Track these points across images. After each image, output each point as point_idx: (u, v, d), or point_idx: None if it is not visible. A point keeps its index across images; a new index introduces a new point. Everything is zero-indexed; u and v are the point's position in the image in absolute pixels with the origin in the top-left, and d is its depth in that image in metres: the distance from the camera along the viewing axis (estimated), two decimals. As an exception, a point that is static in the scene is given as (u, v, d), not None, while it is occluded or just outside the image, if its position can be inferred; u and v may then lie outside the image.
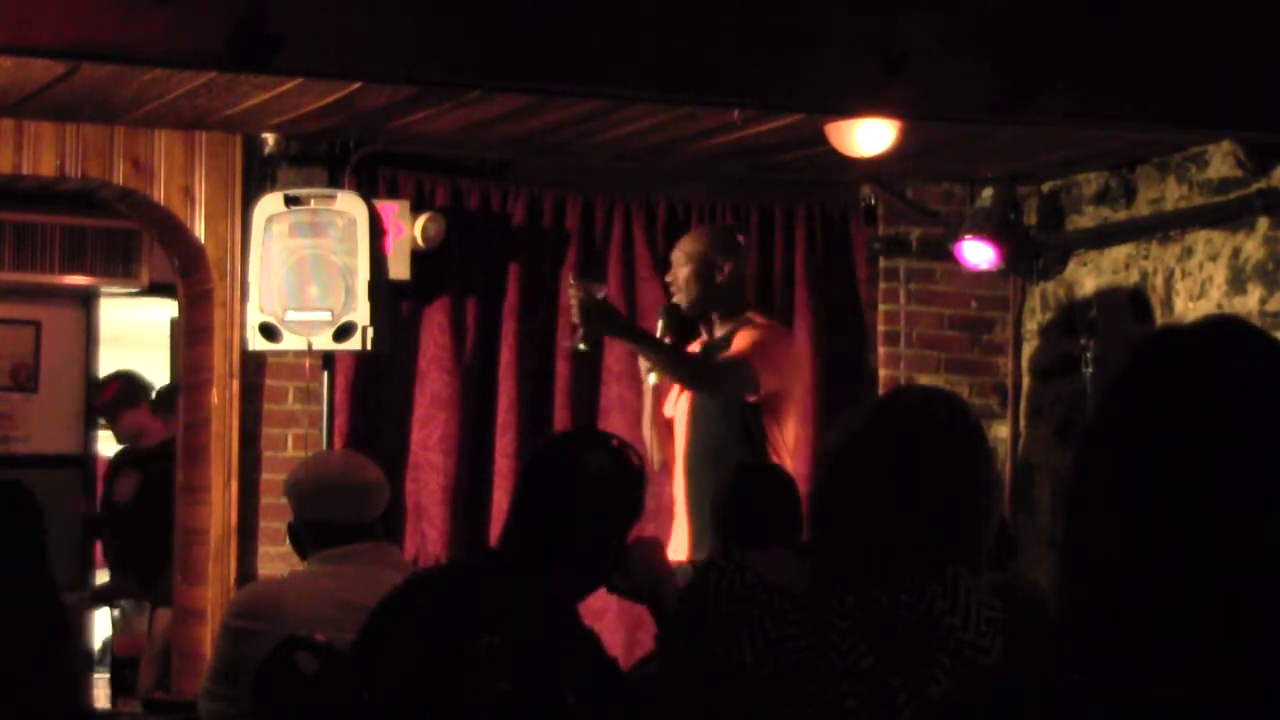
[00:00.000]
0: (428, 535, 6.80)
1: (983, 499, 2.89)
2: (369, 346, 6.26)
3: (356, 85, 5.72)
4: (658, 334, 6.08)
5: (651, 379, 6.13)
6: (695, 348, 6.25)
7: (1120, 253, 7.04)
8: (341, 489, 4.45)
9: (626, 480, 3.50)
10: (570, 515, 3.43)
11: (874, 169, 7.09)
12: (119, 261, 8.74)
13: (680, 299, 6.18)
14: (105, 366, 9.30)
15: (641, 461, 3.59)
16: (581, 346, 6.03)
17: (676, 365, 6.00)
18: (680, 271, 6.20)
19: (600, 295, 5.94)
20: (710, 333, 6.22)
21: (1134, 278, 6.96)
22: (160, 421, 8.16)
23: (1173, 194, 6.80)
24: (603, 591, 3.62)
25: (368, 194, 6.51)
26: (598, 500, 3.45)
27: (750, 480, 5.14)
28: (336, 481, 4.48)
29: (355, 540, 4.36)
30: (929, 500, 2.83)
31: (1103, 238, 7.10)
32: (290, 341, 6.27)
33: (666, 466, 6.21)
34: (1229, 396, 1.47)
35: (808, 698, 2.78)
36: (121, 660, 8.39)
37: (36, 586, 3.91)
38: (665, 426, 6.21)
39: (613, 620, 6.49)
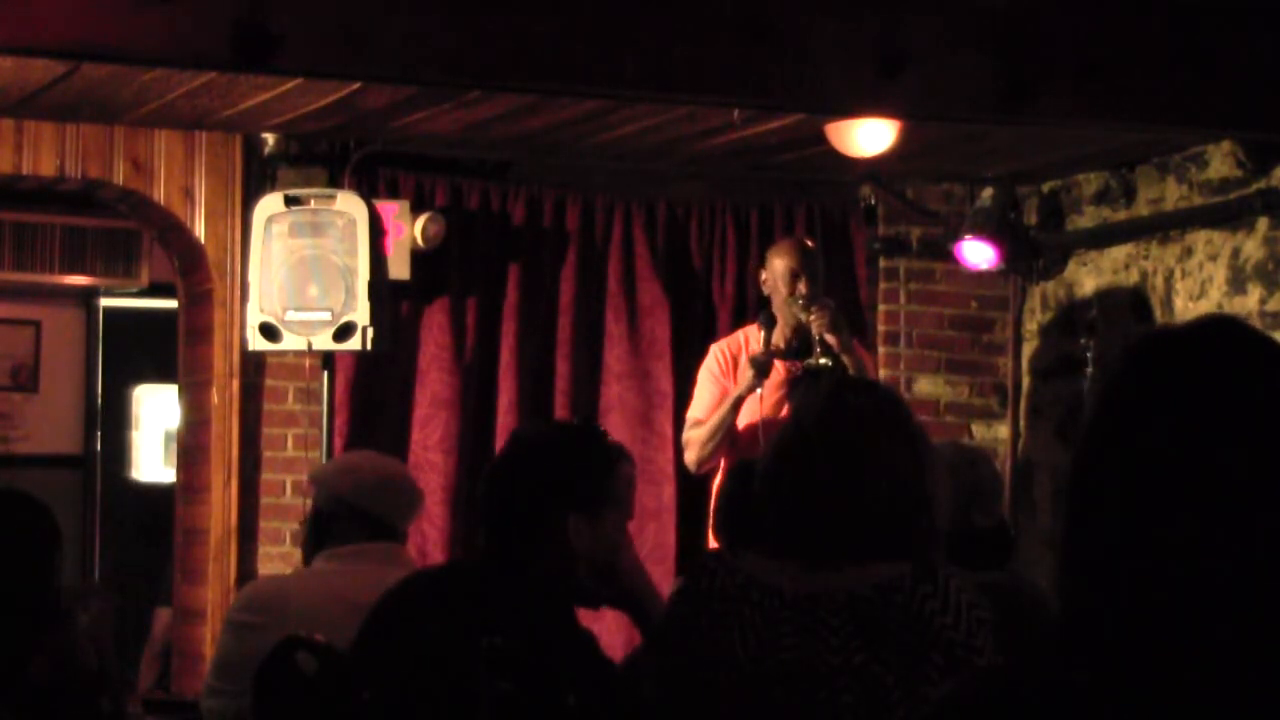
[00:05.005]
0: (428, 535, 6.80)
1: (925, 477, 2.91)
2: (369, 346, 6.26)
3: (356, 85, 5.72)
4: (763, 339, 6.27)
5: (744, 386, 6.21)
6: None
7: (1120, 253, 7.04)
8: (399, 486, 4.47)
9: (569, 446, 3.44)
10: (509, 480, 3.40)
11: (874, 169, 7.10)
12: (119, 261, 8.74)
13: (784, 307, 6.30)
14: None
15: (605, 438, 3.52)
16: (825, 361, 6.15)
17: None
18: (801, 284, 6.28)
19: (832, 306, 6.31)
20: (781, 338, 6.33)
21: (1134, 278, 6.96)
22: None
23: (1173, 194, 6.80)
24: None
25: (368, 194, 6.51)
26: (533, 463, 3.41)
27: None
28: (397, 478, 4.51)
29: (381, 539, 4.35)
30: (866, 487, 2.86)
31: (1103, 238, 7.10)
32: (290, 341, 6.27)
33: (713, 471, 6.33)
34: (1225, 396, 1.47)
35: (802, 694, 2.79)
36: None
37: (50, 600, 3.90)
38: (737, 435, 6.26)
39: (613, 620, 6.49)
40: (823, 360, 6.15)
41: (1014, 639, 2.83)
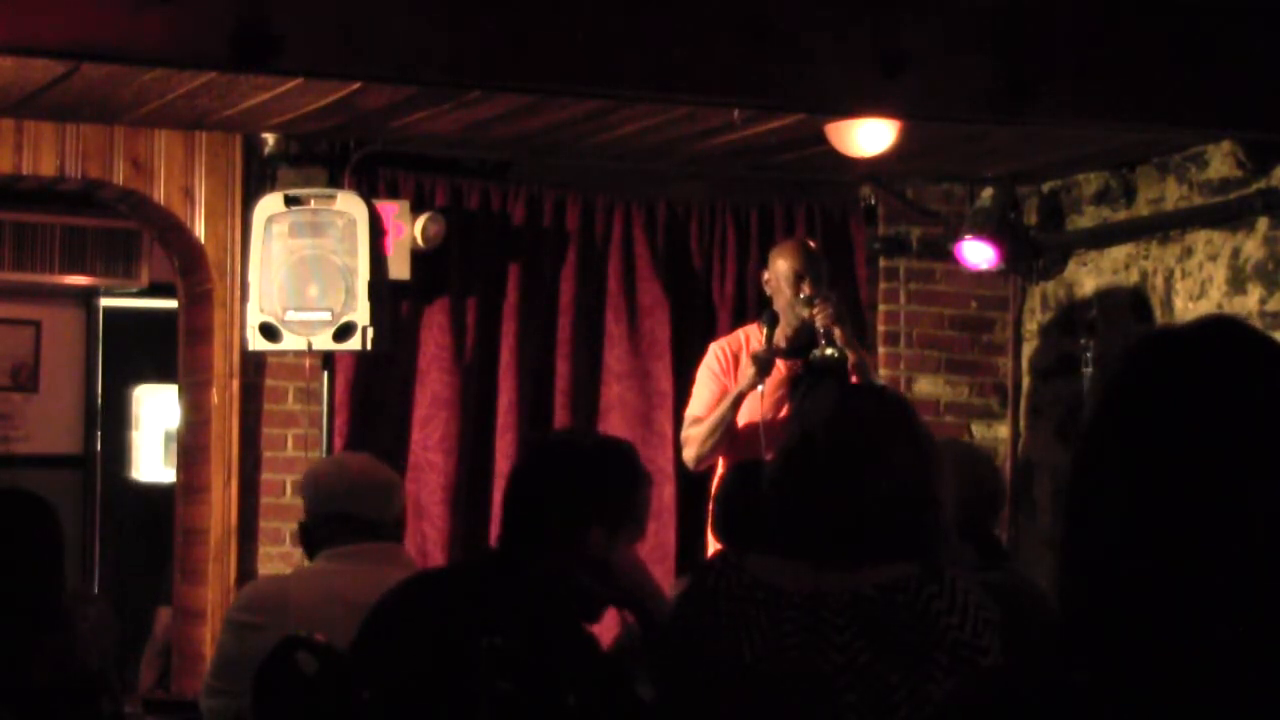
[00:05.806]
0: (428, 535, 6.80)
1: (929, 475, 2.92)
2: (369, 346, 6.26)
3: (356, 85, 5.72)
4: (765, 338, 6.27)
5: (745, 384, 6.21)
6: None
7: (1120, 253, 7.04)
8: (369, 483, 4.47)
9: (604, 462, 3.47)
10: (535, 489, 3.41)
11: (874, 169, 7.10)
12: (119, 261, 8.74)
13: (788, 309, 6.30)
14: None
15: (631, 454, 3.55)
16: (831, 352, 6.15)
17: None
18: (806, 286, 6.27)
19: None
20: (783, 338, 6.34)
21: (1134, 278, 6.96)
22: None
23: (1173, 194, 6.80)
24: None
25: (368, 194, 6.51)
26: (568, 473, 3.42)
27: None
28: (366, 476, 4.50)
29: (372, 538, 4.35)
30: (869, 487, 2.87)
31: (1103, 238, 7.10)
32: (290, 341, 6.27)
33: (711, 469, 6.34)
34: (1225, 396, 1.47)
35: (805, 694, 2.79)
36: None
37: (52, 601, 3.90)
38: (736, 433, 6.26)
39: (613, 621, 6.49)
40: (829, 351, 6.15)
41: (1014, 639, 2.83)
